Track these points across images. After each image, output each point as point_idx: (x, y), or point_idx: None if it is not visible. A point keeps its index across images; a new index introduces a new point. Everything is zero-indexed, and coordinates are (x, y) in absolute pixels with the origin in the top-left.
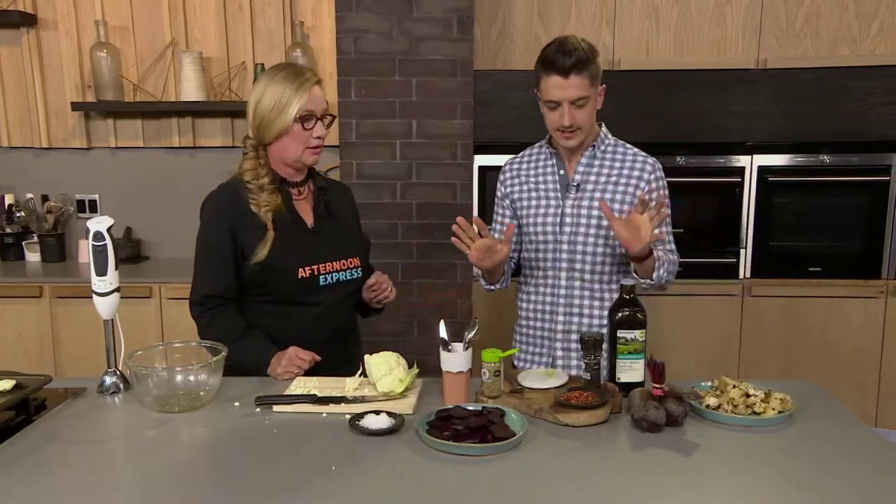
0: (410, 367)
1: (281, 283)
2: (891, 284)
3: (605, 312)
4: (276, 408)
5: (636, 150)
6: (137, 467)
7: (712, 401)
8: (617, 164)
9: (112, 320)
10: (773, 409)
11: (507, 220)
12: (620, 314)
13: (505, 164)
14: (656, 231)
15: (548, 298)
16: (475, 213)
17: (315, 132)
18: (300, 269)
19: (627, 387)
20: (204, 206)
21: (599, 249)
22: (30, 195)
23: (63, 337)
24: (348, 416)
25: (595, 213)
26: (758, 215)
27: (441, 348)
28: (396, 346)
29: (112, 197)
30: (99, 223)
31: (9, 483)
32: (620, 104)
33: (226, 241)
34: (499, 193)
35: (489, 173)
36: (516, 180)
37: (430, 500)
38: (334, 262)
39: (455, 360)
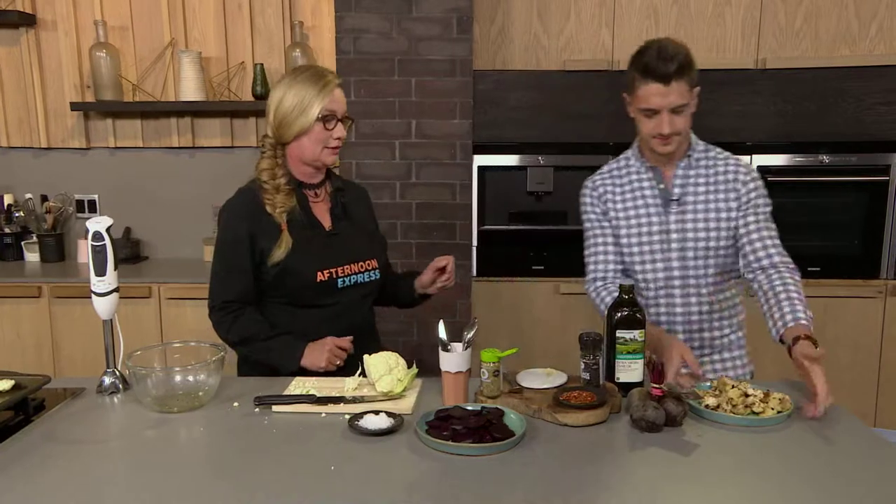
0: (409, 367)
1: (300, 286)
2: (889, 284)
3: (724, 322)
4: (275, 408)
5: (726, 153)
6: (136, 467)
7: (711, 401)
8: (712, 171)
9: (111, 320)
10: (772, 408)
11: (609, 241)
12: (619, 314)
13: (591, 182)
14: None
15: (663, 318)
16: (474, 212)
17: (335, 133)
18: (319, 273)
19: (626, 387)
20: (222, 211)
21: (711, 261)
22: (29, 195)
23: (62, 337)
24: (347, 416)
25: (700, 225)
26: None
27: (440, 348)
28: (396, 346)
29: (111, 197)
30: (98, 223)
31: (7, 483)
32: (619, 104)
33: (244, 245)
34: (592, 213)
35: (488, 173)
36: (611, 195)
37: (428, 500)
38: (352, 265)
39: (454, 360)
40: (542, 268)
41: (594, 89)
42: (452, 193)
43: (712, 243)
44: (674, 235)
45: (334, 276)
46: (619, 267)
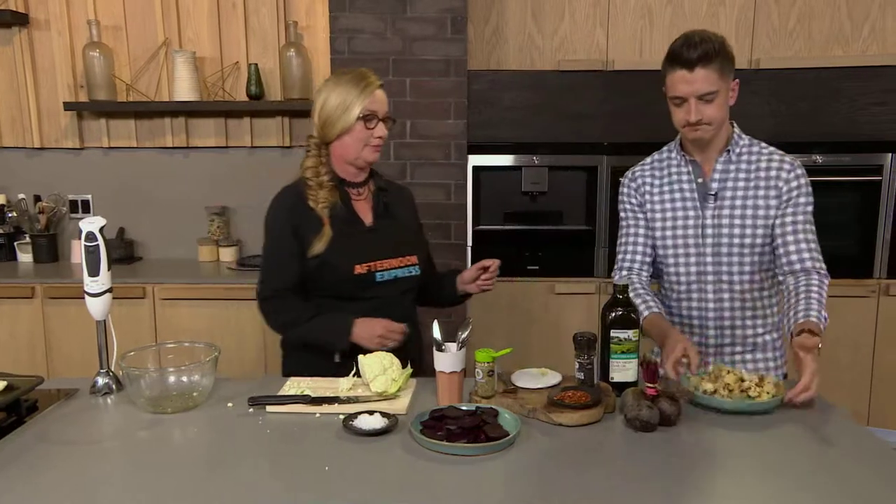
0: (404, 367)
1: (338, 278)
2: (882, 284)
3: (758, 321)
4: (269, 408)
5: (772, 148)
6: (130, 468)
7: (708, 386)
8: (753, 167)
9: (104, 321)
10: (768, 393)
11: (641, 232)
12: (613, 314)
13: (631, 173)
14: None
15: (695, 312)
16: (469, 212)
17: (376, 132)
18: (357, 266)
19: (621, 386)
20: (269, 208)
21: (746, 259)
22: (22, 195)
23: (55, 338)
24: (342, 417)
25: (737, 222)
26: None
27: (435, 348)
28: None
29: (105, 197)
30: (91, 223)
31: (1, 484)
32: (614, 104)
33: (290, 239)
34: (628, 204)
35: (483, 173)
36: (649, 188)
37: (423, 500)
38: (392, 259)
39: (449, 360)
40: (537, 268)
41: (589, 89)
42: (447, 193)
43: (748, 240)
44: (709, 231)
45: (372, 269)
46: (648, 259)
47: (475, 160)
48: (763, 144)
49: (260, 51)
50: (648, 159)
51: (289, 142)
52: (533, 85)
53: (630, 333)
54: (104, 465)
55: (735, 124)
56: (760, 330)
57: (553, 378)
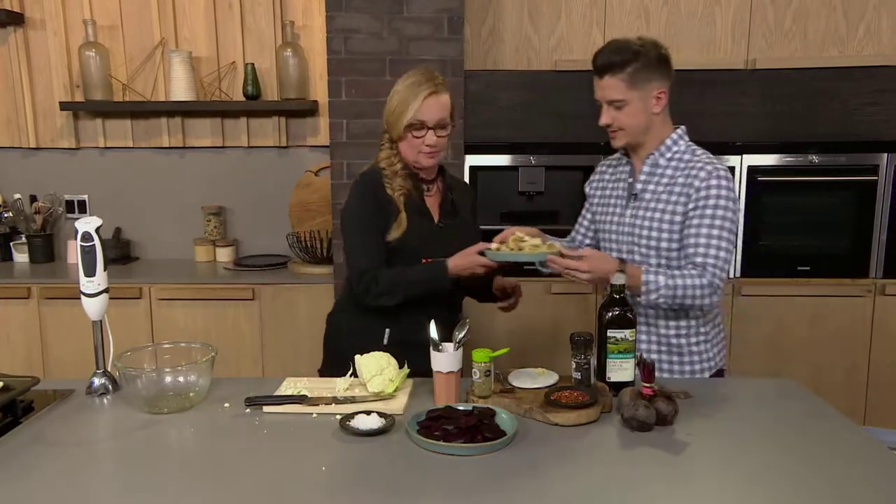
0: (401, 367)
1: (406, 266)
2: (878, 283)
3: (672, 324)
4: (265, 408)
5: (704, 157)
6: (126, 469)
7: (493, 245)
8: (677, 174)
9: (101, 321)
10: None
11: (588, 216)
12: (610, 313)
13: (598, 166)
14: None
15: None
16: None
17: (426, 140)
18: (423, 260)
19: (618, 386)
20: (352, 191)
21: (653, 261)
22: (18, 195)
23: (51, 338)
24: (338, 417)
25: (647, 224)
26: (747, 215)
27: (431, 348)
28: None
29: (101, 197)
30: (87, 224)
31: None
32: None
33: (376, 219)
34: (587, 189)
35: (480, 173)
36: (599, 184)
37: (420, 500)
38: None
39: (445, 360)
40: (534, 267)
41: (585, 89)
42: None
43: (653, 243)
44: (626, 229)
45: None
46: (585, 241)
47: (472, 160)
48: (700, 152)
49: (256, 50)
50: (614, 155)
51: (285, 142)
52: (529, 85)
53: (627, 333)
54: (100, 466)
55: (681, 130)
56: (673, 332)
57: (550, 378)
